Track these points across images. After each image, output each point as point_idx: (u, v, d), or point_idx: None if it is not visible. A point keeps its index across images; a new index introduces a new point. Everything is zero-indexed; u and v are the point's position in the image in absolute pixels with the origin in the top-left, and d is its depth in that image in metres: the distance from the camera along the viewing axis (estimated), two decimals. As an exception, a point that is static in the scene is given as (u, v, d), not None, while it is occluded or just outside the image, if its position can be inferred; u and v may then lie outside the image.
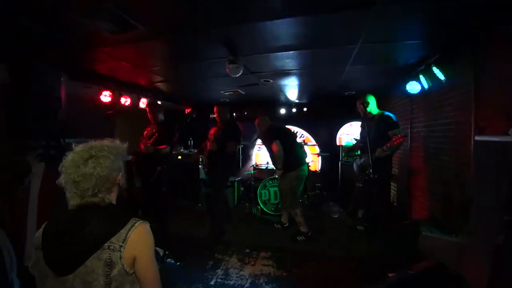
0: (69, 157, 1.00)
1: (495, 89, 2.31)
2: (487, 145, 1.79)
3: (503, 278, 1.38)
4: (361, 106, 3.33)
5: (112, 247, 0.94)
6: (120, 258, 0.94)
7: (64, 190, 0.99)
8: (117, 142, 1.11)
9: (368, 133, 3.04)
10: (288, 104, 6.12)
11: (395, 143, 3.03)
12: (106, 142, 1.08)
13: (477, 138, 1.87)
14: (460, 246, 2.40)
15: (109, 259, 0.93)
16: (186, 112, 6.15)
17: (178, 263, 2.65)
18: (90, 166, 0.98)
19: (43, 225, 1.02)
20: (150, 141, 3.31)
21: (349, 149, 3.78)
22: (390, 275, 2.25)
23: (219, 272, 2.63)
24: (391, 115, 3.31)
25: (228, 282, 2.46)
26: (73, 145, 1.05)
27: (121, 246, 0.95)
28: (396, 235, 3.36)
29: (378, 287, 1.80)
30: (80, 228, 0.96)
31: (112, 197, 1.07)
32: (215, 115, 3.48)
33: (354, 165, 3.64)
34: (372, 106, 3.35)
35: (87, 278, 0.92)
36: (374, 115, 3.33)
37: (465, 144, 2.66)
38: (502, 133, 1.82)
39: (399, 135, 3.02)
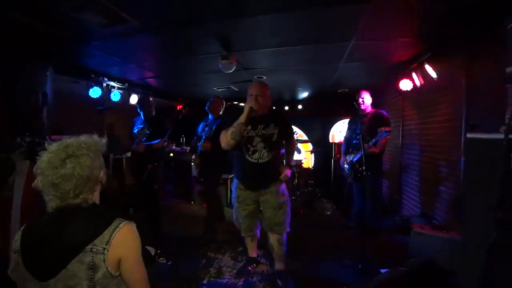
0: (45, 157, 0.93)
1: (487, 88, 2.34)
2: (479, 142, 1.80)
3: (495, 275, 1.39)
4: (360, 101, 3.27)
5: (95, 249, 0.90)
6: (104, 261, 0.90)
7: (41, 193, 0.92)
8: (95, 137, 1.04)
9: (361, 130, 3.06)
10: (282, 101, 6.10)
11: (383, 142, 3.08)
12: (83, 138, 1.00)
13: (468, 135, 1.87)
14: (451, 243, 2.44)
15: (92, 262, 0.89)
16: (178, 108, 6.06)
17: (169, 263, 2.62)
18: (69, 167, 0.91)
19: (22, 228, 0.96)
20: (142, 139, 3.22)
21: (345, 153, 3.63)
22: (383, 271, 2.27)
23: (212, 270, 2.60)
24: (383, 112, 3.32)
25: (221, 281, 2.43)
26: (46, 144, 0.97)
27: (104, 249, 0.90)
28: (388, 231, 3.40)
29: (371, 283, 1.81)
30: (61, 231, 0.91)
31: (95, 196, 1.02)
32: (209, 107, 3.29)
33: (343, 162, 3.59)
34: (368, 103, 3.35)
35: (70, 282, 0.88)
36: (368, 113, 3.34)
37: (456, 141, 2.69)
38: (493, 130, 1.84)
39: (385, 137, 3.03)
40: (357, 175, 3.28)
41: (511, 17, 1.54)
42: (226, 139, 2.17)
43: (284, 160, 2.61)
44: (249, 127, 2.20)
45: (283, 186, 2.34)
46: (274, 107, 5.30)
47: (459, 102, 2.65)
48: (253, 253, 2.62)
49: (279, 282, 2.32)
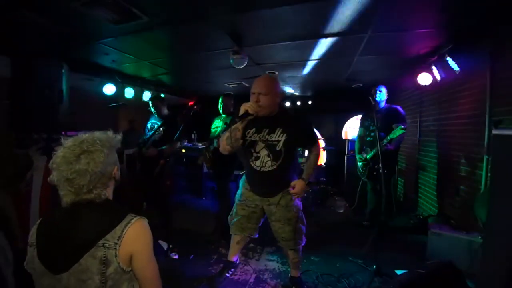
0: (60, 153, 0.94)
1: (513, 82, 2.20)
2: (506, 139, 1.69)
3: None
4: (374, 97, 3.10)
5: (107, 244, 0.90)
6: (116, 256, 0.90)
7: (57, 188, 0.94)
8: (110, 133, 1.05)
9: (375, 127, 2.96)
10: (293, 96, 6.03)
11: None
12: (98, 134, 1.01)
13: (494, 131, 1.77)
14: (471, 244, 2.34)
15: (104, 257, 0.89)
16: (189, 104, 6.08)
17: (191, 257, 2.70)
18: (83, 162, 0.92)
19: (37, 222, 0.98)
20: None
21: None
22: (398, 272, 2.19)
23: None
24: (398, 108, 3.20)
25: (233, 277, 2.43)
26: (62, 140, 0.98)
27: (116, 244, 0.91)
28: (404, 231, 3.30)
29: (388, 286, 1.74)
30: (74, 225, 0.92)
31: (109, 192, 1.02)
32: (220, 106, 3.23)
33: (358, 159, 3.49)
34: (384, 98, 3.23)
35: (82, 276, 0.88)
36: (382, 108, 3.22)
37: (479, 138, 2.55)
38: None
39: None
40: (373, 172, 3.19)
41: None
42: (222, 144, 1.90)
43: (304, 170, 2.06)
44: (253, 130, 1.93)
45: (297, 200, 2.06)
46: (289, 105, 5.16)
47: (483, 96, 2.51)
48: (233, 256, 2.36)
49: None
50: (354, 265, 2.58)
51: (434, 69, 2.92)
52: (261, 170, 1.95)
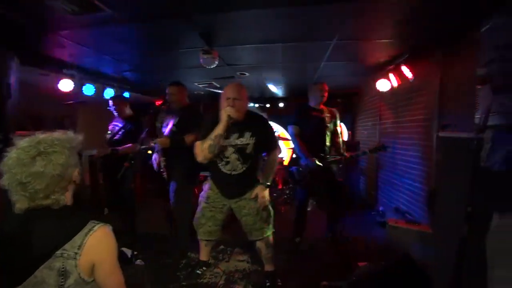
0: (13, 154, 0.85)
1: (459, 89, 2.47)
2: (450, 141, 1.90)
3: (466, 268, 1.47)
4: (326, 94, 2.85)
5: (66, 254, 0.84)
6: (76, 266, 0.84)
7: (8, 193, 0.85)
8: (71, 133, 0.98)
9: (318, 127, 2.83)
10: (264, 98, 6.12)
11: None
12: (57, 134, 0.94)
13: (440, 134, 1.98)
14: (423, 236, 2.57)
15: (63, 268, 0.83)
16: (156, 104, 5.83)
17: (158, 262, 2.60)
18: (39, 164, 0.84)
19: None
20: (115, 138, 3.07)
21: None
22: (361, 264, 2.34)
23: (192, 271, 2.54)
24: (335, 109, 3.00)
25: (202, 280, 2.39)
26: (14, 140, 0.90)
27: (76, 253, 0.84)
28: (365, 225, 3.53)
29: (350, 278, 1.85)
30: (28, 235, 0.84)
31: (68, 197, 0.95)
32: (168, 98, 2.75)
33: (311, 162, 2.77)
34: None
35: None
36: (322, 108, 2.91)
37: (430, 140, 2.82)
38: (466, 130, 1.95)
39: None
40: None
41: (485, 21, 1.62)
42: (203, 153, 1.93)
43: (263, 175, 2.11)
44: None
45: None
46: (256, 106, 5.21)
47: (433, 102, 2.78)
48: (204, 256, 2.38)
49: (268, 283, 2.23)
50: (319, 261, 2.70)
51: (392, 76, 3.16)
52: (232, 173, 2.03)
